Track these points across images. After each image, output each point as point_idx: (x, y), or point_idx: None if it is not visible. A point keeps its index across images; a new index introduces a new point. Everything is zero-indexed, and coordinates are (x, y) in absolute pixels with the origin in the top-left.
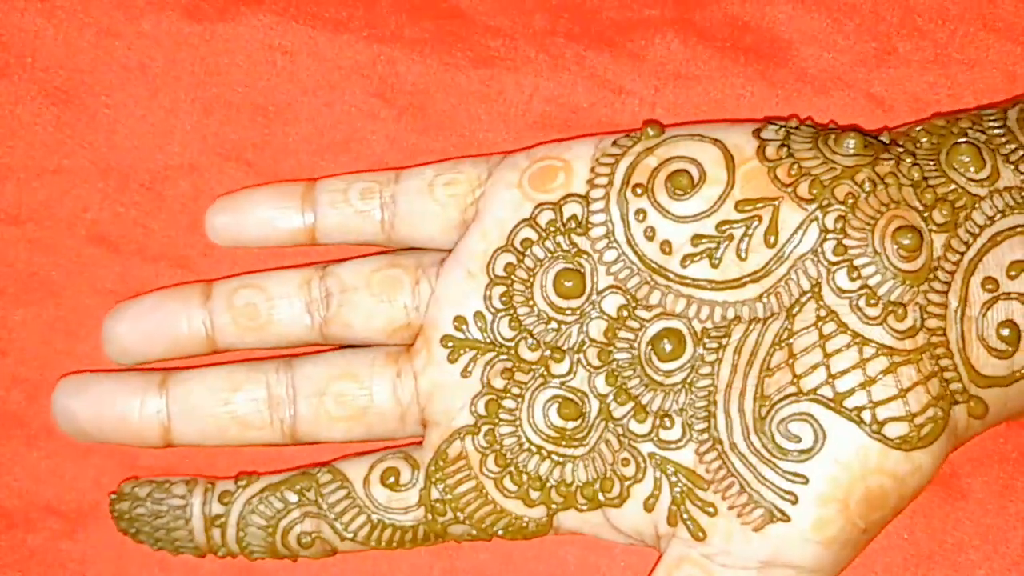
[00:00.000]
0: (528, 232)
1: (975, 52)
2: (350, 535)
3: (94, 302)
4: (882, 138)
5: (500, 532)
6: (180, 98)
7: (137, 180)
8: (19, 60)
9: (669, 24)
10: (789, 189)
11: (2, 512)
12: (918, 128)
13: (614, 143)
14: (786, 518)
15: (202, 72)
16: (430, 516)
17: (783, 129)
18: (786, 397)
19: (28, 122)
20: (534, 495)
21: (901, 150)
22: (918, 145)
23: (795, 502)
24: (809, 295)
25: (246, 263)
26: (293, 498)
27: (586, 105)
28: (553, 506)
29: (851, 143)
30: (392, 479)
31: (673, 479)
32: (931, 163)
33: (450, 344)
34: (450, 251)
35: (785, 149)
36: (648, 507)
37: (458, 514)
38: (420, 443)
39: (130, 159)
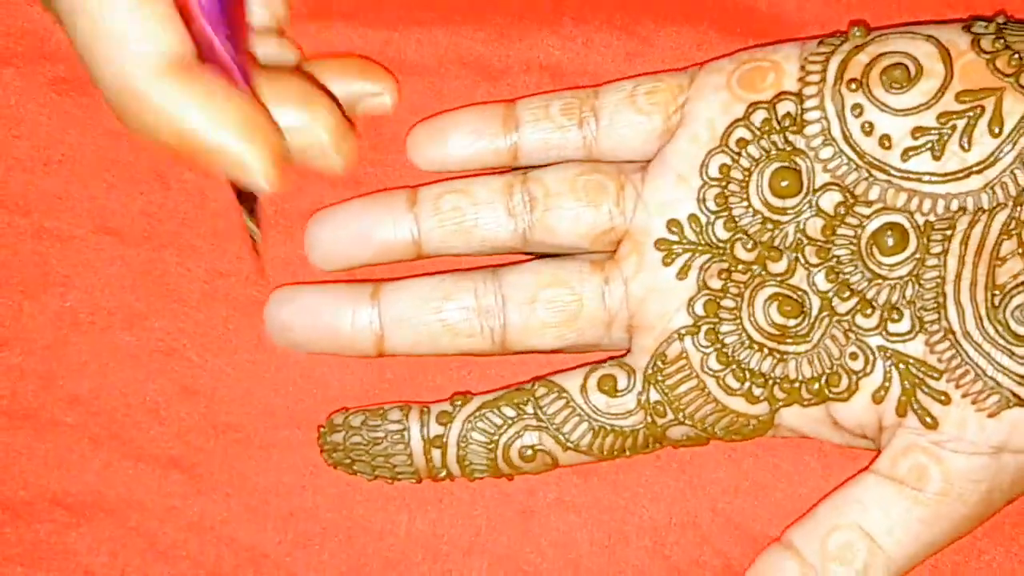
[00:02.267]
0: (742, 132)
1: None
2: (572, 444)
3: (101, 293)
4: None
5: (720, 432)
6: None
7: (144, 169)
8: (26, 50)
9: (679, 8)
10: (1011, 79)
11: (8, 504)
12: None
13: (820, 43)
14: (1023, 403)
15: None
16: (650, 418)
17: (993, 24)
18: (1020, 284)
19: (35, 112)
20: (757, 392)
21: None
22: None
23: None
24: None
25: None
26: (511, 412)
27: None
28: (776, 403)
29: None
30: (609, 385)
31: (903, 370)
32: None
33: (664, 247)
34: (648, 162)
35: (1001, 41)
36: (877, 399)
37: (679, 415)
38: (624, 355)
39: (137, 148)
